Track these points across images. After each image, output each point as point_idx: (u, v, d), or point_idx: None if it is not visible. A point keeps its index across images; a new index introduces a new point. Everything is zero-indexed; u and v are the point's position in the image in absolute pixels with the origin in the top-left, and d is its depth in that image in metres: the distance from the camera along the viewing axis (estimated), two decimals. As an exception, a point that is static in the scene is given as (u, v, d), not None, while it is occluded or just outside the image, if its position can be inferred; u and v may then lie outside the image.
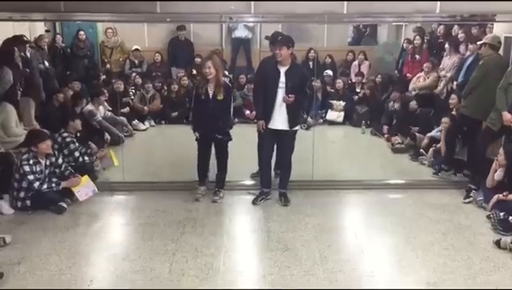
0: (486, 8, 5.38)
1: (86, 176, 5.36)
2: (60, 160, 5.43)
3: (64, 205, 5.12)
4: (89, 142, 6.49)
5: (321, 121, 9.12)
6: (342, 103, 9.22)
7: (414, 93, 8.28)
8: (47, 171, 5.24)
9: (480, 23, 7.16)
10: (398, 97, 8.34)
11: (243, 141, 5.67)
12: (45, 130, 5.73)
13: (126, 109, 8.67)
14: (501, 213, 4.71)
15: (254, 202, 5.33)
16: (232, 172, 5.56)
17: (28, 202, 5.08)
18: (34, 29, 8.23)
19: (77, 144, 5.88)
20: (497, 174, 5.15)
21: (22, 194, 5.09)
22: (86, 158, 5.89)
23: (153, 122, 9.03)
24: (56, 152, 5.47)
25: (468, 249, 4.33)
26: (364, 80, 9.63)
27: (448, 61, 7.80)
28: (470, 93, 5.94)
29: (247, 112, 9.20)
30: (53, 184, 5.14)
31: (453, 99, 6.82)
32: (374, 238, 4.62)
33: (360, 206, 5.44)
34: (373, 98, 9.10)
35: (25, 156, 5.10)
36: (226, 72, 8.96)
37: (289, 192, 5.42)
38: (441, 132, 6.60)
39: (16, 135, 5.95)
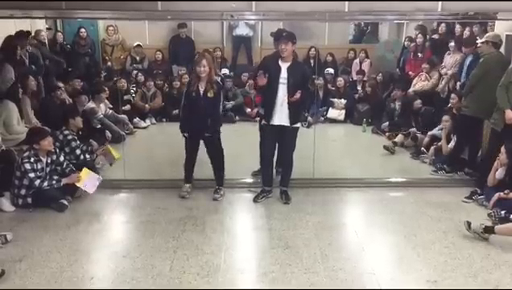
0: (488, 6, 5.37)
1: (85, 169, 5.34)
2: (62, 158, 5.44)
3: (65, 202, 5.13)
4: (90, 140, 6.49)
5: (322, 119, 9.13)
6: (343, 101, 9.22)
7: (412, 90, 8.29)
8: (48, 169, 5.24)
9: (481, 21, 7.15)
10: (400, 95, 8.34)
11: (244, 139, 5.69)
12: (46, 128, 5.74)
13: (127, 107, 8.68)
14: (502, 212, 4.72)
15: (255, 200, 5.33)
16: (232, 170, 5.56)
17: (29, 200, 5.09)
18: (35, 26, 8.23)
19: (78, 142, 5.89)
20: (498, 172, 5.15)
21: (23, 192, 5.09)
22: (87, 155, 5.90)
23: (154, 120, 9.04)
24: (58, 150, 5.47)
25: (469, 247, 4.32)
26: (365, 79, 9.63)
27: (450, 59, 7.79)
28: (471, 92, 5.93)
29: (248, 110, 9.22)
30: (54, 182, 5.15)
31: (453, 99, 6.82)
32: (375, 236, 4.62)
33: (361, 204, 5.43)
34: (374, 96, 9.10)
35: (26, 154, 5.11)
36: (218, 71, 8.97)
37: (290, 190, 5.42)
38: (442, 130, 6.61)
39: (17, 133, 5.96)
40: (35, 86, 6.74)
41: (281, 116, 5.11)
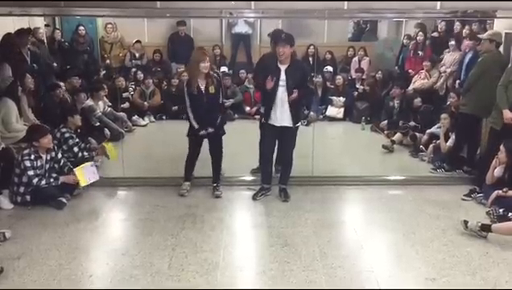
0: (487, 4, 5.38)
1: (77, 169, 5.33)
2: (60, 155, 5.44)
3: (64, 200, 5.12)
4: (89, 138, 6.49)
5: (321, 117, 9.13)
6: (342, 99, 9.22)
7: (412, 88, 8.30)
8: (47, 166, 5.25)
9: (480, 19, 7.15)
10: (399, 93, 8.34)
11: (243, 137, 5.68)
12: (45, 125, 5.73)
13: (126, 105, 8.67)
14: (501, 210, 4.73)
15: (254, 197, 5.33)
16: (232, 168, 5.57)
17: (28, 197, 5.08)
18: (33, 24, 8.20)
19: (76, 140, 5.89)
20: (496, 170, 5.16)
21: (21, 189, 5.09)
22: (85, 153, 5.89)
23: (153, 118, 9.03)
24: (55, 148, 5.47)
25: (468, 245, 4.33)
26: (364, 77, 9.63)
27: (450, 57, 7.79)
28: (469, 90, 5.94)
29: (247, 108, 9.22)
30: (52, 180, 5.15)
31: (453, 98, 6.83)
32: (374, 234, 4.63)
33: (359, 202, 5.43)
34: (373, 94, 9.10)
35: (26, 151, 5.11)
36: (215, 68, 8.97)
37: (289, 187, 5.43)
38: (440, 128, 6.61)
39: (16, 131, 5.94)
40: (33, 84, 6.72)
41: (282, 117, 5.10)
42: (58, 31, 9.26)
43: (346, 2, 5.22)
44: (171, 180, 5.78)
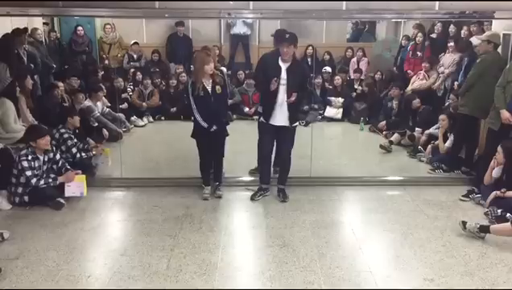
0: (485, 5, 5.39)
1: (83, 177, 5.32)
2: (58, 156, 5.43)
3: (62, 200, 5.12)
4: (87, 139, 6.48)
5: (320, 117, 9.13)
6: (341, 100, 9.23)
7: (410, 88, 8.30)
8: (45, 167, 5.24)
9: (479, 20, 7.16)
10: (397, 94, 8.35)
11: (241, 137, 5.68)
12: (43, 126, 5.72)
13: (125, 105, 8.67)
14: (499, 210, 4.73)
15: (253, 198, 5.33)
16: (230, 168, 5.56)
17: (26, 198, 5.08)
18: (32, 24, 8.20)
19: (75, 140, 5.89)
20: (494, 171, 5.16)
21: (20, 190, 5.09)
22: (83, 154, 5.89)
23: (151, 118, 9.03)
24: (54, 148, 5.47)
25: (466, 246, 4.34)
26: (362, 77, 9.64)
27: (448, 58, 7.80)
28: (467, 91, 5.95)
29: (246, 109, 9.22)
30: (50, 180, 5.14)
31: (453, 100, 6.84)
32: (372, 234, 4.63)
33: (358, 203, 5.44)
34: (371, 95, 9.11)
35: (23, 152, 5.11)
36: (219, 65, 8.97)
37: (287, 188, 5.43)
38: (439, 129, 6.62)
39: (14, 131, 5.94)
40: (31, 85, 6.72)
41: (281, 116, 5.11)
42: (54, 33, 9.22)
43: (345, 3, 5.22)
44: (169, 181, 5.79)
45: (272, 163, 5.54)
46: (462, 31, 7.79)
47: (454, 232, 4.59)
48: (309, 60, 9.76)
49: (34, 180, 5.04)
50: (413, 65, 8.74)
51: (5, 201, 5.11)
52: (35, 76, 7.29)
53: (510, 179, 4.98)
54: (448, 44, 7.87)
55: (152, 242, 4.35)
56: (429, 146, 6.79)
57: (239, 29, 10.34)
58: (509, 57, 5.86)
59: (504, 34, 5.99)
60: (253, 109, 8.94)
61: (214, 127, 5.13)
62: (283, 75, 5.01)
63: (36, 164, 5.13)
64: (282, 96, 5.05)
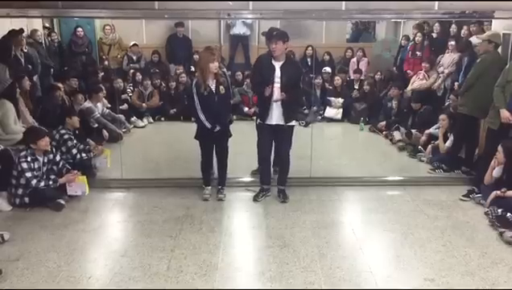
0: (485, 5, 5.39)
1: (84, 178, 5.34)
2: (58, 157, 5.43)
3: (63, 201, 5.12)
4: (88, 140, 6.48)
5: (319, 118, 9.13)
6: (340, 100, 9.23)
7: (410, 88, 8.31)
8: (45, 169, 5.24)
9: (478, 20, 7.16)
10: (397, 94, 8.35)
11: (242, 138, 5.67)
12: (43, 128, 5.73)
13: (125, 106, 8.68)
14: (499, 210, 4.72)
15: (255, 199, 5.33)
16: (230, 169, 5.55)
17: (26, 199, 5.08)
18: (31, 26, 8.21)
19: (75, 141, 5.88)
20: (494, 171, 5.16)
21: (20, 191, 5.09)
22: (84, 155, 5.88)
23: (151, 119, 9.03)
24: (54, 149, 5.47)
25: (466, 245, 4.34)
26: (362, 77, 9.64)
27: (448, 58, 7.80)
28: (467, 91, 5.95)
29: (246, 109, 9.22)
30: (50, 181, 5.15)
31: (453, 100, 6.84)
32: (372, 234, 4.63)
33: (358, 203, 5.44)
34: (371, 95, 9.11)
35: (23, 153, 5.11)
36: (223, 66, 8.96)
37: (287, 188, 5.42)
38: (439, 129, 6.62)
39: (14, 133, 5.94)
40: (29, 86, 6.72)
41: (276, 115, 5.12)
42: (54, 34, 9.22)
43: (344, 3, 5.22)
44: (169, 182, 5.79)
45: (272, 164, 5.54)
46: (462, 31, 7.79)
47: (454, 232, 4.60)
48: (309, 60, 9.77)
49: (34, 182, 5.04)
50: (412, 65, 8.74)
51: (5, 203, 5.11)
52: (35, 78, 7.30)
53: (511, 178, 4.98)
54: (448, 44, 7.87)
55: (152, 243, 4.35)
56: (429, 146, 6.78)
57: (239, 29, 10.34)
58: (509, 57, 5.86)
59: (504, 34, 5.99)
60: (253, 110, 8.93)
61: (217, 128, 5.13)
62: (277, 73, 5.03)
63: (36, 166, 5.13)
64: (276, 95, 5.06)
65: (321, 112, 9.27)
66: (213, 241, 4.40)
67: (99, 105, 7.82)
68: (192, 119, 5.28)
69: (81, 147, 5.95)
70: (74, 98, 7.38)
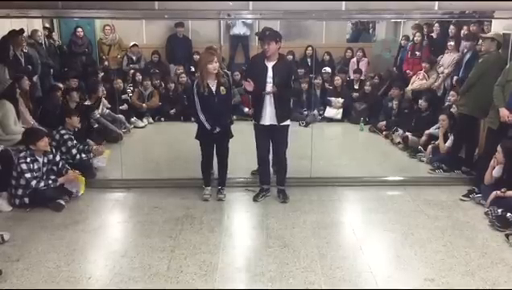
0: (485, 5, 5.38)
1: (83, 179, 5.38)
2: (58, 157, 5.43)
3: (63, 202, 5.12)
4: (87, 140, 6.48)
5: (319, 118, 9.13)
6: (341, 100, 9.23)
7: (410, 88, 8.30)
8: (44, 169, 5.24)
9: (478, 20, 7.16)
10: (397, 94, 8.35)
11: (242, 138, 5.67)
12: (42, 128, 5.73)
13: (125, 107, 8.68)
14: (499, 210, 4.72)
15: (255, 199, 5.33)
16: (230, 169, 5.55)
17: (26, 200, 5.08)
18: (31, 26, 8.21)
19: (75, 141, 5.88)
20: (495, 171, 5.16)
21: (20, 191, 5.09)
22: (83, 155, 5.88)
23: (151, 119, 9.04)
24: (54, 149, 5.47)
25: (466, 245, 4.34)
26: (362, 78, 9.64)
27: (448, 58, 7.80)
28: (468, 91, 5.95)
29: (245, 109, 9.21)
30: (50, 182, 5.15)
31: (453, 96, 6.84)
32: (372, 234, 4.63)
33: (358, 203, 5.43)
34: (371, 95, 9.11)
35: (22, 154, 5.11)
36: (224, 67, 8.98)
37: (287, 189, 5.42)
38: (439, 129, 6.62)
39: (14, 133, 5.93)
40: (28, 85, 6.72)
41: (270, 115, 5.12)
42: (54, 34, 9.23)
43: (344, 3, 5.22)
44: (169, 182, 5.79)
45: (271, 164, 5.54)
46: (462, 31, 7.78)
47: (454, 232, 4.60)
48: (309, 60, 9.77)
49: (34, 182, 5.04)
50: (412, 65, 8.73)
51: (5, 203, 5.11)
52: (35, 78, 7.30)
53: (511, 178, 4.98)
54: (448, 44, 7.87)
55: (152, 244, 4.35)
56: (429, 146, 6.78)
57: (239, 30, 10.33)
58: (509, 56, 5.86)
59: (504, 33, 5.99)
60: (252, 110, 8.93)
61: (217, 129, 5.12)
62: (270, 73, 5.03)
63: (35, 166, 5.13)
64: (269, 95, 5.06)
65: (321, 112, 9.27)
66: (213, 241, 4.40)
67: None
68: (192, 119, 5.28)
69: (81, 147, 5.95)
70: (69, 96, 7.33)
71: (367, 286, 3.73)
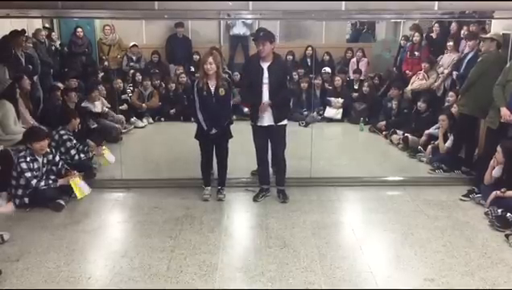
0: (484, 5, 5.39)
1: (75, 182, 5.31)
2: (57, 158, 5.43)
3: (62, 202, 5.12)
4: (87, 140, 6.47)
5: (319, 118, 9.13)
6: (340, 100, 9.23)
7: (410, 88, 8.30)
8: (44, 169, 5.24)
9: (478, 20, 7.16)
10: (397, 94, 8.35)
11: (242, 138, 5.67)
12: (43, 128, 5.72)
13: (125, 107, 8.68)
14: (499, 210, 4.72)
15: (255, 199, 5.34)
16: (230, 169, 5.55)
17: (26, 199, 5.08)
18: (31, 26, 8.21)
19: (74, 142, 5.88)
20: (494, 171, 5.16)
21: (20, 191, 5.09)
22: (82, 155, 5.88)
23: (151, 120, 9.04)
24: (53, 150, 5.46)
25: (466, 245, 4.34)
26: (362, 78, 9.64)
27: (448, 58, 7.80)
28: (468, 90, 5.95)
29: (245, 109, 9.19)
30: (50, 182, 5.15)
31: (452, 96, 6.84)
32: (372, 234, 4.63)
33: (358, 203, 5.43)
34: (371, 95, 9.11)
35: (22, 154, 5.11)
36: (226, 68, 8.99)
37: (287, 189, 5.42)
38: (439, 129, 6.62)
39: (14, 133, 5.94)
40: (29, 86, 6.72)
41: (266, 116, 5.13)
42: (54, 34, 9.23)
43: (344, 3, 5.23)
44: (169, 182, 5.79)
45: (271, 164, 5.54)
46: (462, 31, 7.79)
47: (454, 232, 4.60)
48: (309, 60, 9.77)
49: (34, 182, 5.04)
50: (411, 65, 8.72)
51: (5, 203, 5.11)
52: (35, 78, 7.29)
53: (510, 178, 4.98)
54: (447, 44, 7.87)
55: (152, 244, 4.35)
56: (429, 146, 6.78)
57: (239, 30, 10.33)
58: (508, 57, 5.86)
59: (504, 33, 6.00)
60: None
61: (213, 130, 5.13)
62: (265, 74, 5.04)
63: (35, 166, 5.12)
64: (265, 95, 5.07)
65: (321, 112, 9.27)
66: (213, 241, 4.40)
67: (97, 104, 7.81)
68: (192, 119, 5.28)
69: (80, 147, 5.95)
70: (68, 97, 7.32)
71: (367, 286, 3.73)
